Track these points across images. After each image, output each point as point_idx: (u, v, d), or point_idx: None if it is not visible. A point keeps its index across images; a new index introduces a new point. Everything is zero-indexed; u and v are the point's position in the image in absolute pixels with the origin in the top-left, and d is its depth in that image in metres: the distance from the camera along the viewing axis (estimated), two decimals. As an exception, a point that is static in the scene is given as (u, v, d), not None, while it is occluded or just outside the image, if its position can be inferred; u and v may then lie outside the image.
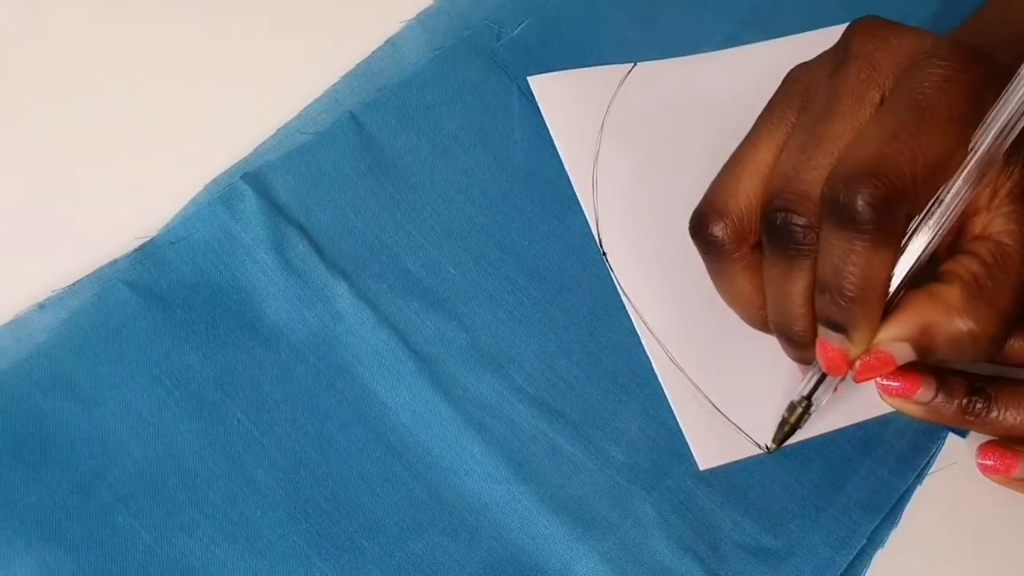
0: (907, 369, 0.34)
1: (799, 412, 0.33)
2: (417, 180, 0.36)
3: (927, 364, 0.34)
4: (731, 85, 0.39)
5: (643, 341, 0.34)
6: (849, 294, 0.29)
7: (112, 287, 0.31)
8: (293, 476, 0.30)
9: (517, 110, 0.38)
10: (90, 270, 0.32)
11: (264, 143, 0.35)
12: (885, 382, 0.34)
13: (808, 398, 0.32)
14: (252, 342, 0.32)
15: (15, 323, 0.31)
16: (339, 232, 0.34)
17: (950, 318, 0.29)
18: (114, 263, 0.32)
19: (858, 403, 0.35)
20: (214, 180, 0.34)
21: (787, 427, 0.33)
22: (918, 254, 0.30)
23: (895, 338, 0.30)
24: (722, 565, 0.32)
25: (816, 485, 0.33)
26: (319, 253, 0.33)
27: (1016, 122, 0.30)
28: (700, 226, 0.32)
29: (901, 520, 0.34)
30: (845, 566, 0.32)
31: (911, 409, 0.34)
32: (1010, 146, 0.30)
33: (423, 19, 0.39)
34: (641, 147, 0.38)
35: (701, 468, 0.33)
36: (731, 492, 0.33)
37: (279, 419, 0.31)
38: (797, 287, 0.30)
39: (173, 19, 0.37)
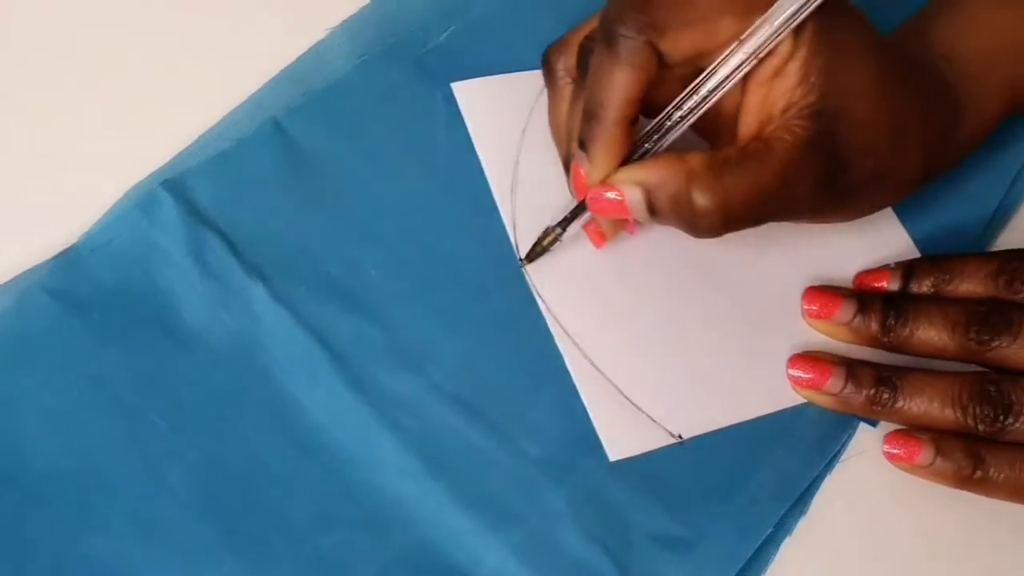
0: (817, 360, 0.36)
1: (552, 236, 0.35)
2: (341, 184, 0.37)
3: (837, 356, 0.36)
4: None
5: (556, 340, 0.35)
6: (591, 110, 0.32)
7: (31, 294, 0.32)
8: (206, 476, 0.31)
9: (442, 116, 0.39)
10: (10, 277, 0.33)
11: (185, 149, 0.36)
12: (796, 373, 0.36)
13: (562, 224, 0.35)
14: (169, 345, 0.33)
15: (-64, 329, 0.32)
16: (259, 236, 0.35)
17: (683, 180, 0.31)
18: (34, 270, 0.33)
19: (771, 394, 0.36)
20: (134, 187, 0.35)
21: (538, 248, 0.36)
22: (684, 114, 0.32)
23: (630, 180, 0.32)
24: (631, 555, 0.32)
25: (726, 474, 0.34)
26: (237, 256, 0.34)
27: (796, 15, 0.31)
28: (546, 59, 0.36)
29: (810, 509, 0.35)
30: (751, 554, 0.33)
31: (822, 400, 0.36)
32: (812, 63, 0.31)
33: (348, 26, 0.40)
34: None
35: (612, 459, 0.34)
36: (642, 483, 0.34)
37: (194, 420, 0.32)
38: (577, 110, 0.33)
39: (95, 27, 0.38)
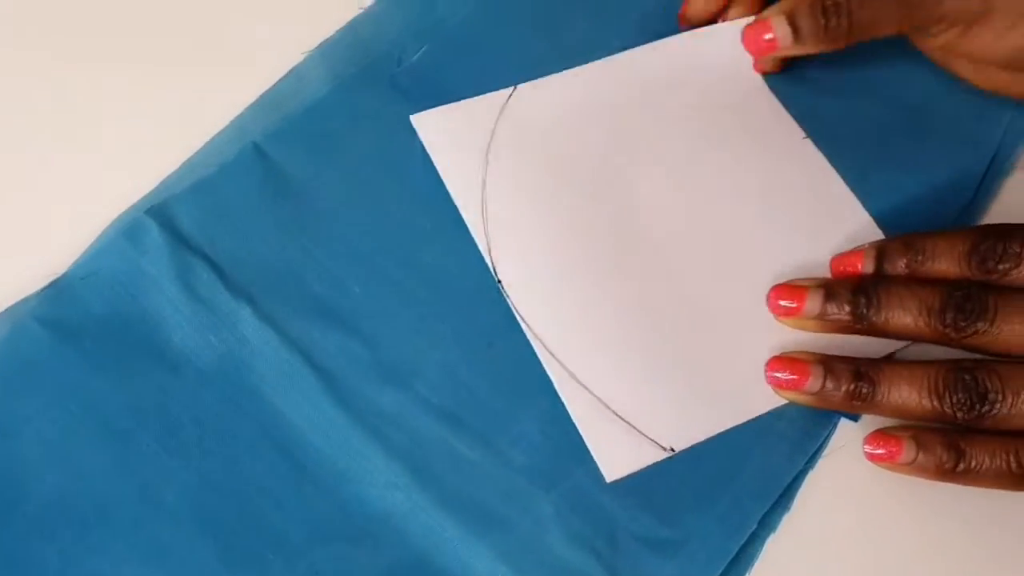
0: (794, 360, 0.36)
1: None
2: (322, 205, 0.37)
3: (813, 354, 0.36)
4: (610, 92, 0.41)
5: (540, 359, 0.36)
6: None
7: (23, 323, 0.33)
8: (200, 496, 0.32)
9: (415, 136, 0.39)
10: (1, 309, 0.33)
11: (169, 176, 0.37)
12: (776, 375, 0.36)
13: None
14: (160, 369, 0.33)
15: (-70, 362, 0.32)
16: (244, 259, 0.36)
17: None
18: (25, 300, 0.34)
19: (755, 398, 0.36)
20: (120, 216, 0.35)
21: None
22: None
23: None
24: (619, 557, 0.33)
25: (710, 477, 0.35)
26: (223, 280, 0.35)
27: None
28: None
29: (793, 504, 0.35)
30: (736, 551, 0.34)
31: (802, 399, 0.36)
32: None
33: (324, 49, 0.40)
34: (527, 168, 0.39)
35: (608, 480, 0.34)
36: (629, 488, 0.34)
37: (187, 442, 0.32)
38: None
39: (78, 54, 0.39)
